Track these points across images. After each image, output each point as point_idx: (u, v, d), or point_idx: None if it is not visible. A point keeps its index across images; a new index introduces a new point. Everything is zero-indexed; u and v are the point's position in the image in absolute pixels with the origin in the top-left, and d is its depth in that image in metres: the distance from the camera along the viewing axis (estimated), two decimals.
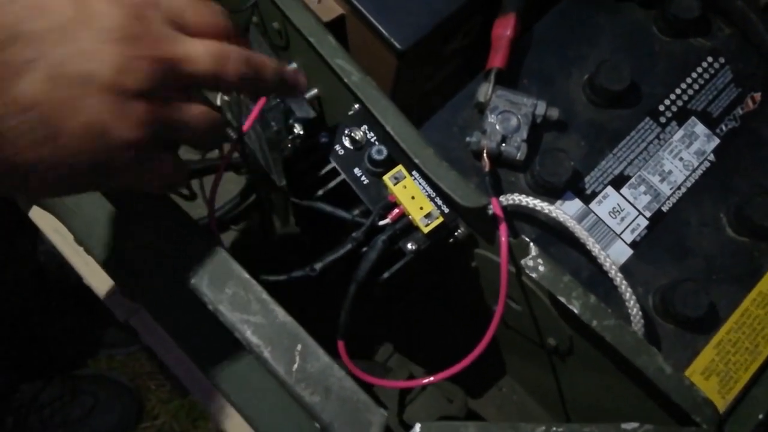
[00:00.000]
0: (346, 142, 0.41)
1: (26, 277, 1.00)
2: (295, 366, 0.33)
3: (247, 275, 0.35)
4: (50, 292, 1.01)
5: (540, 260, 0.38)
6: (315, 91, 0.49)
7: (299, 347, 0.33)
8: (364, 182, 0.41)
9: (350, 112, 0.42)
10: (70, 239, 0.43)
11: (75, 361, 1.04)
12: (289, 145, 0.49)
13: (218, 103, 0.58)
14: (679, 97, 0.47)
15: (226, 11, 0.33)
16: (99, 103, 0.26)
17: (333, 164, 0.41)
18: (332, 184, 0.41)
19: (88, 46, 0.26)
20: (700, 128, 0.47)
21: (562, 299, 0.37)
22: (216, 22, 0.32)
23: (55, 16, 0.26)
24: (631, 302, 0.39)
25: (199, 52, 0.30)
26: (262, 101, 0.46)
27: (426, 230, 0.39)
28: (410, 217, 0.39)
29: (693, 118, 0.47)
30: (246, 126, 0.45)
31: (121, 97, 0.27)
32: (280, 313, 0.34)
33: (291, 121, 0.48)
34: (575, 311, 0.37)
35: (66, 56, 0.26)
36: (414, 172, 0.40)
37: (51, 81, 0.26)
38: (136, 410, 1.02)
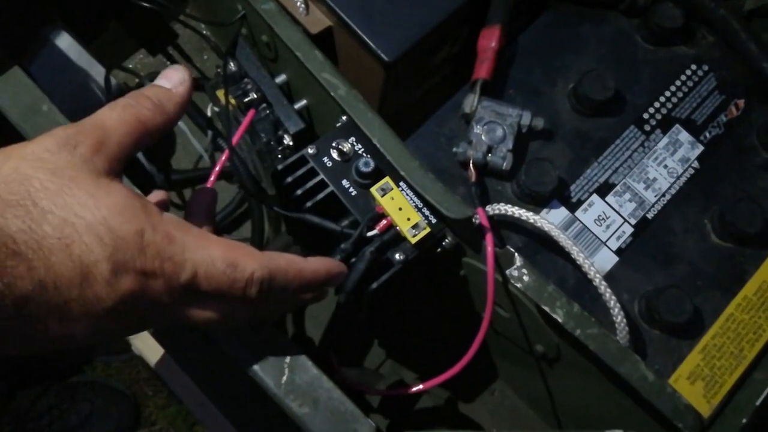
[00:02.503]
0: (334, 154, 0.42)
1: None
2: (284, 378, 0.33)
3: None
4: None
5: (525, 270, 0.39)
6: (304, 101, 0.49)
7: (288, 359, 0.34)
8: (352, 194, 0.41)
9: (338, 124, 0.43)
10: None
11: (72, 367, 1.04)
12: (279, 156, 0.49)
13: (208, 113, 0.58)
14: (663, 105, 0.48)
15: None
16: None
17: (321, 176, 0.41)
18: (321, 195, 0.42)
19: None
20: (684, 136, 0.48)
21: (546, 308, 0.37)
22: (231, 281, 0.29)
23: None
24: (616, 310, 0.40)
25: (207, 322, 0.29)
26: (251, 113, 0.47)
27: (413, 240, 0.40)
28: (398, 227, 0.40)
29: (677, 125, 0.48)
30: (235, 138, 0.46)
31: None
32: (268, 326, 0.35)
33: (280, 132, 0.49)
34: (559, 320, 0.37)
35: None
36: (401, 184, 0.41)
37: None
38: (134, 417, 1.02)
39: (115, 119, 0.29)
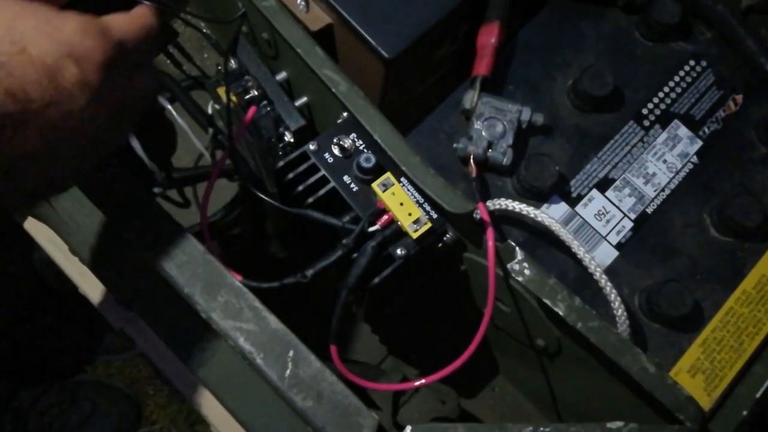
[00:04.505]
0: (335, 150, 0.42)
1: (23, 284, 1.00)
2: (288, 372, 0.34)
3: (238, 283, 0.36)
4: (47, 298, 1.02)
5: (526, 264, 0.39)
6: (305, 98, 0.49)
7: (291, 353, 0.34)
8: (354, 189, 0.41)
9: (339, 121, 0.43)
10: (65, 249, 0.44)
11: (73, 367, 1.04)
12: (280, 153, 0.49)
13: (209, 111, 0.58)
14: (662, 100, 0.48)
15: None
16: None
17: (323, 172, 0.42)
18: (322, 191, 0.42)
19: None
20: (683, 131, 0.48)
21: (548, 302, 0.38)
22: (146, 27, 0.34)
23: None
24: (616, 303, 0.40)
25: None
26: (252, 110, 0.47)
27: (415, 236, 0.40)
28: (399, 223, 0.40)
29: (676, 120, 0.48)
30: (237, 135, 0.46)
31: None
32: (272, 320, 0.35)
33: (281, 129, 0.49)
34: (560, 313, 0.37)
35: None
36: (402, 179, 0.41)
37: None
38: (135, 415, 1.02)
39: None
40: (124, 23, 0.32)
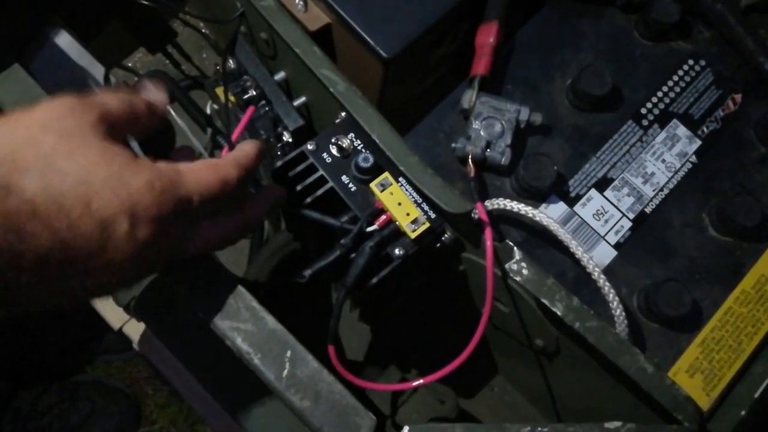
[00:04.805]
0: (334, 150, 0.42)
1: None
2: (285, 372, 0.34)
3: (236, 283, 0.36)
4: None
5: (524, 264, 0.39)
6: (303, 98, 0.49)
7: (289, 353, 0.34)
8: (352, 189, 0.41)
9: (337, 120, 0.43)
10: None
11: (73, 367, 1.05)
12: (279, 153, 0.49)
13: (208, 111, 0.58)
14: (660, 99, 0.48)
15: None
16: None
17: (321, 172, 0.42)
18: (321, 191, 0.42)
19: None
20: (682, 130, 0.48)
21: (546, 302, 0.38)
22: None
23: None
24: (615, 303, 0.40)
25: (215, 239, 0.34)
26: (251, 110, 0.47)
27: (413, 236, 0.40)
28: (397, 223, 0.40)
29: (675, 120, 0.48)
30: (235, 134, 0.46)
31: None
32: (270, 321, 0.35)
33: (280, 129, 0.49)
34: (558, 313, 0.37)
35: None
36: (400, 179, 0.41)
37: None
38: (134, 415, 1.02)
39: (116, 101, 0.31)
40: (196, 176, 0.31)
